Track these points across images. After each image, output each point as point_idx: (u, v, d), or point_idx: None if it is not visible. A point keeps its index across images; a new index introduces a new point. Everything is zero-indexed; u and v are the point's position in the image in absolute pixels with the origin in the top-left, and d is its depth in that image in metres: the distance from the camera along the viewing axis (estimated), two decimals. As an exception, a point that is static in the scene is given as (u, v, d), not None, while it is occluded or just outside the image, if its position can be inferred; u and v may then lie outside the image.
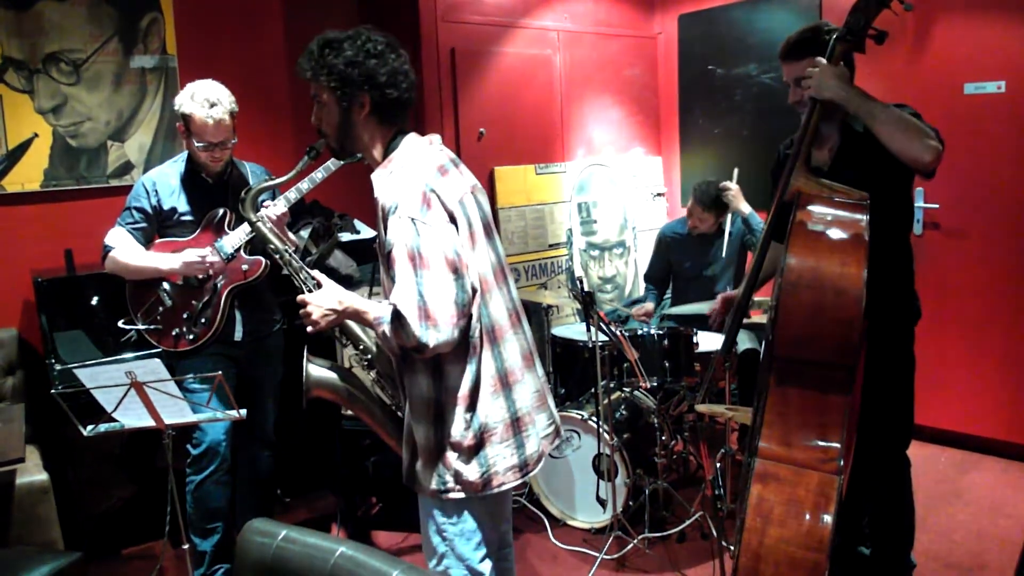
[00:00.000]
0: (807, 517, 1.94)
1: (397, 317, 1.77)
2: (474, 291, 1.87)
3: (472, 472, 1.92)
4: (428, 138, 1.97)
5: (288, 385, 3.26)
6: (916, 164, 2.23)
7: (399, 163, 1.90)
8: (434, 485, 1.95)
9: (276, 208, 2.81)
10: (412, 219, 1.78)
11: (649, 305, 4.25)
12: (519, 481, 1.98)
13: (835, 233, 2.08)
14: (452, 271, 1.79)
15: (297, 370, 3.32)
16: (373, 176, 1.93)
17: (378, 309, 1.87)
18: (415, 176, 1.84)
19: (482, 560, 2.02)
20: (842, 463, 1.99)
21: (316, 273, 2.11)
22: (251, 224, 2.25)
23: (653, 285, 4.40)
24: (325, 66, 1.87)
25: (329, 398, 2.16)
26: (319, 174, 2.86)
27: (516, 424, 1.97)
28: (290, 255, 2.20)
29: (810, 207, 2.13)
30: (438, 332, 1.76)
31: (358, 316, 1.93)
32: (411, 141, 1.95)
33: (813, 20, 4.36)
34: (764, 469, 2.02)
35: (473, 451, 1.92)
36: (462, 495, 1.93)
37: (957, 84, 3.96)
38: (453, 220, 1.84)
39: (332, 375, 2.14)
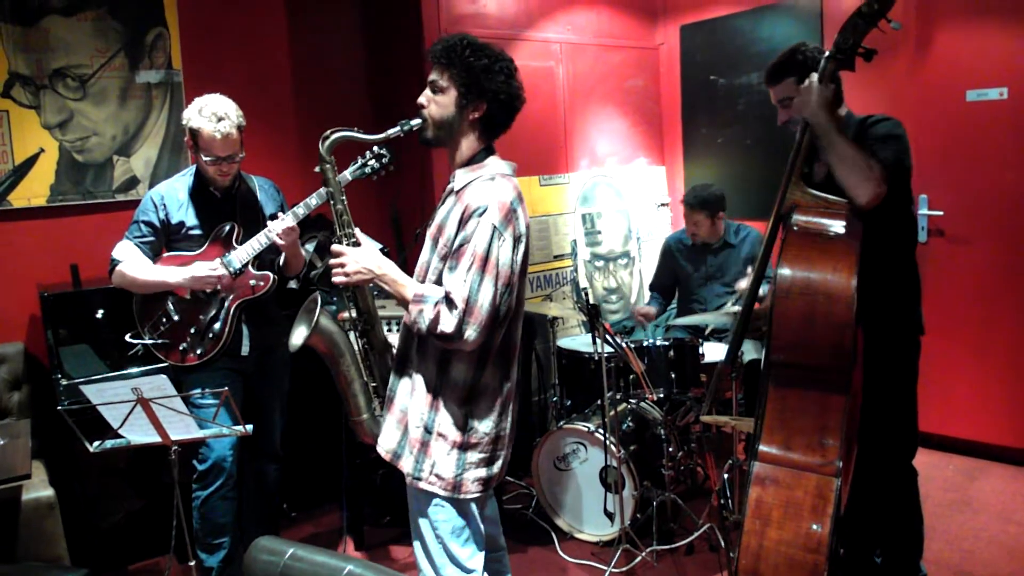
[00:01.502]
0: (805, 518, 1.97)
1: (448, 302, 1.91)
2: (512, 309, 2.01)
3: (447, 469, 2.02)
4: (512, 164, 2.10)
5: (294, 399, 3.27)
6: (853, 200, 2.27)
7: (489, 173, 2.03)
8: (409, 468, 2.06)
9: (285, 221, 2.82)
10: (494, 226, 1.93)
11: (651, 308, 4.23)
12: (479, 494, 2.07)
13: (826, 241, 2.14)
14: (506, 284, 1.95)
15: (302, 384, 3.34)
16: (457, 172, 2.07)
17: (421, 287, 2.00)
18: (505, 192, 1.99)
19: (471, 557, 2.09)
20: (840, 465, 2.02)
21: (359, 234, 2.19)
22: (321, 164, 2.20)
23: (658, 294, 4.39)
24: (463, 63, 1.99)
25: (321, 350, 2.25)
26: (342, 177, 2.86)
27: (497, 441, 2.08)
28: (344, 206, 2.21)
29: (804, 217, 2.20)
30: (472, 329, 1.90)
31: (394, 285, 2.03)
32: (499, 160, 2.08)
33: (814, 29, 4.42)
34: (763, 472, 2.08)
35: (457, 448, 2.02)
36: (431, 488, 2.03)
37: (959, 91, 3.96)
38: (519, 242, 1.99)
39: (337, 329, 2.25)
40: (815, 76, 2.32)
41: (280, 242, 2.83)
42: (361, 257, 2.08)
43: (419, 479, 2.04)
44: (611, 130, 5.05)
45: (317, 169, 2.22)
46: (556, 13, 4.71)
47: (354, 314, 2.24)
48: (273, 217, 2.94)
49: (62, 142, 3.61)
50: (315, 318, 2.19)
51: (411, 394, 2.08)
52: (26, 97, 3.52)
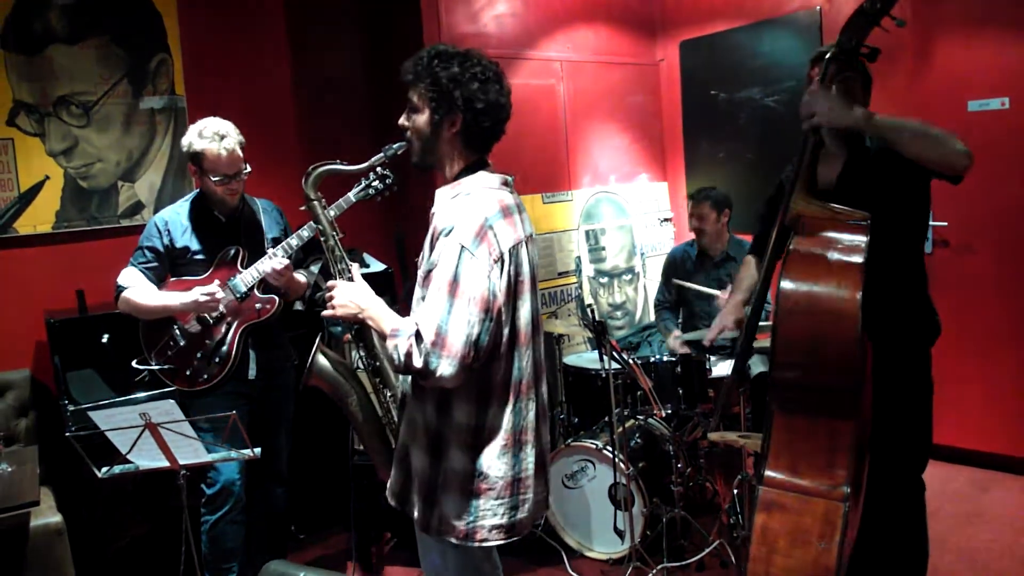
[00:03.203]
0: (812, 546, 1.91)
1: (418, 335, 1.76)
2: (500, 338, 1.85)
3: (458, 518, 1.88)
4: (503, 176, 1.96)
5: (301, 421, 3.26)
6: (953, 171, 2.23)
7: (467, 189, 1.89)
8: (418, 515, 1.93)
9: (275, 260, 2.82)
10: (462, 247, 1.77)
11: (677, 332, 4.17)
12: (502, 542, 1.92)
13: (831, 256, 2.05)
14: (483, 310, 1.77)
15: (309, 407, 3.33)
16: (437, 192, 1.95)
17: (398, 321, 1.85)
18: (479, 208, 1.83)
19: None
20: (848, 490, 1.96)
21: (355, 269, 2.09)
22: (308, 202, 2.16)
23: (669, 313, 4.31)
24: (430, 75, 1.86)
25: (325, 390, 2.20)
26: (331, 212, 2.86)
27: (516, 484, 1.91)
28: (335, 241, 2.16)
29: (808, 231, 2.12)
30: (447, 363, 1.73)
31: (376, 321, 1.91)
32: (486, 174, 1.93)
33: (814, 42, 4.44)
34: (769, 497, 1.99)
35: (465, 496, 1.88)
36: (442, 536, 1.90)
37: (961, 101, 3.97)
38: (500, 263, 1.82)
39: (337, 371, 2.18)
40: (816, 88, 2.24)
41: (274, 282, 2.83)
42: (349, 292, 1.96)
43: (428, 528, 1.92)
44: (613, 146, 5.07)
45: (303, 208, 2.15)
46: (556, 32, 4.74)
47: (361, 348, 2.19)
48: (277, 241, 2.94)
49: (67, 169, 3.64)
50: (311, 360, 2.13)
51: (414, 437, 1.94)
52: (31, 125, 3.54)
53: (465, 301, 1.75)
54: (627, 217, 5.12)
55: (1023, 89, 3.80)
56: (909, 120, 2.24)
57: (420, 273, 1.92)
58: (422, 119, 1.90)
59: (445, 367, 1.73)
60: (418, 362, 1.74)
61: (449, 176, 1.95)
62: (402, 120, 1.96)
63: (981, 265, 4.00)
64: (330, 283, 2.03)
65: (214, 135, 2.77)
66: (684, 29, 5.17)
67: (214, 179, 2.82)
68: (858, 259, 2.02)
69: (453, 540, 1.89)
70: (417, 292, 1.92)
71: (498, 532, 1.89)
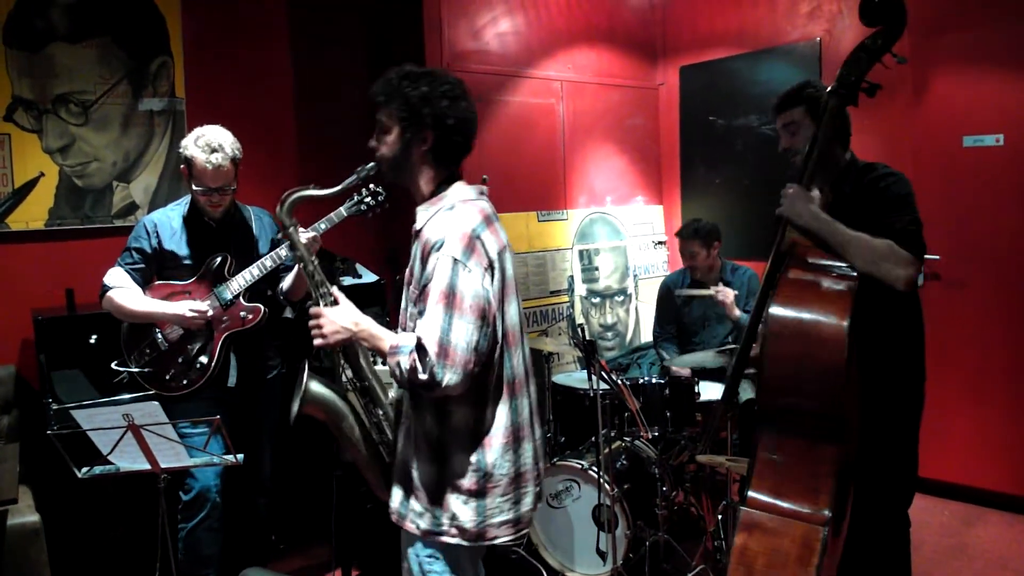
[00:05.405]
0: (790, 568, 1.91)
1: (420, 349, 1.79)
2: (496, 342, 1.90)
3: (469, 519, 1.91)
4: (478, 187, 2.01)
5: (285, 431, 3.23)
6: (893, 288, 2.23)
7: (448, 203, 1.93)
8: (427, 525, 1.93)
9: (307, 234, 2.79)
10: (455, 259, 1.82)
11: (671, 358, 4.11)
12: (511, 537, 1.96)
13: (822, 283, 2.10)
14: (480, 318, 1.82)
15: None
16: (418, 209, 1.97)
17: (396, 338, 1.88)
18: (465, 220, 1.88)
19: None
20: (828, 515, 1.96)
21: (335, 291, 2.07)
22: (283, 230, 2.14)
23: (667, 342, 4.22)
24: (400, 96, 1.91)
25: (320, 418, 2.14)
26: (322, 225, 2.85)
27: (518, 479, 1.96)
28: (314, 267, 2.12)
29: (801, 258, 2.16)
30: (452, 372, 1.78)
31: (372, 340, 1.93)
32: (463, 186, 1.98)
33: (812, 72, 4.47)
34: (749, 518, 2.01)
35: (473, 496, 1.90)
36: (454, 540, 1.92)
37: (956, 137, 4.00)
38: (491, 270, 1.88)
39: (330, 394, 2.12)
40: (794, 185, 2.26)
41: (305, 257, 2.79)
42: (337, 316, 1.95)
43: (440, 533, 1.91)
44: (610, 168, 5.09)
45: (279, 235, 2.14)
46: (558, 52, 4.76)
47: (348, 375, 2.14)
48: (276, 244, 2.92)
49: (62, 167, 3.63)
50: (303, 386, 2.07)
51: (414, 449, 1.96)
52: (28, 121, 3.54)
53: (463, 311, 1.80)
54: (621, 239, 5.13)
55: (1018, 126, 3.83)
56: (856, 235, 2.21)
57: (412, 288, 1.94)
58: (392, 139, 1.94)
59: (451, 376, 1.78)
60: (423, 375, 1.78)
61: (423, 193, 1.98)
62: (372, 142, 1.99)
63: (972, 299, 4.01)
64: (314, 310, 1.99)
65: (206, 145, 2.76)
66: (685, 54, 5.20)
67: (197, 189, 2.82)
68: (847, 286, 2.05)
69: (466, 543, 1.92)
70: (410, 307, 1.95)
71: (507, 527, 1.94)
